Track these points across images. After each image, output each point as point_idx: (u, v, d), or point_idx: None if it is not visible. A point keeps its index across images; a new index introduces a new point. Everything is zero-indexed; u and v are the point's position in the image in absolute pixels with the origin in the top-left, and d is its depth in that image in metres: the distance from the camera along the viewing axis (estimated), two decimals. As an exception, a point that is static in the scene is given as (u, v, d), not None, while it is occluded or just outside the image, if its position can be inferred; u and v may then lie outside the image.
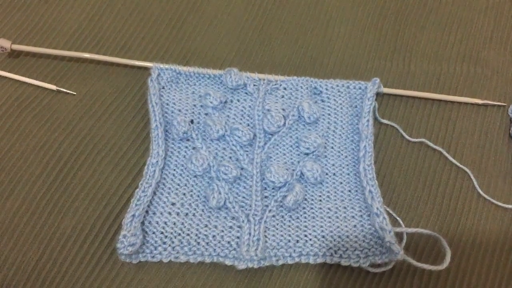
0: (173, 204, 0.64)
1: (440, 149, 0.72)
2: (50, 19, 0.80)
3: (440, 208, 0.68)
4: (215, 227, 0.63)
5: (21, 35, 0.78)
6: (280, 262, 0.62)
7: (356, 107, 0.73)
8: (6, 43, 0.73)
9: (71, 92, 0.72)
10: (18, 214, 0.63)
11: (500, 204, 0.68)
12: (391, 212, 0.66)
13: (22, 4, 0.81)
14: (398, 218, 0.66)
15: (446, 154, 0.71)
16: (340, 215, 0.65)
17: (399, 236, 0.64)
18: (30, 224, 0.63)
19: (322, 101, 0.73)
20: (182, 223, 0.63)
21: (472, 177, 0.70)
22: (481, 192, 0.69)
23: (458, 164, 0.71)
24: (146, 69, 0.73)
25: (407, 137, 0.72)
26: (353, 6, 0.85)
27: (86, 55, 0.74)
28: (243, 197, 0.65)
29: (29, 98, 0.72)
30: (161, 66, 0.72)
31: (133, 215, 0.61)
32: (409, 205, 0.68)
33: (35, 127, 0.69)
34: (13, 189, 0.65)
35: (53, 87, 0.72)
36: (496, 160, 0.72)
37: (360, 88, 0.73)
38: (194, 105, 0.71)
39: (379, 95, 0.75)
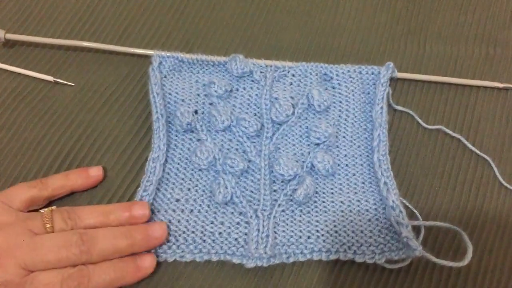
0: (177, 200, 0.61)
1: (458, 136, 0.68)
2: (45, 6, 0.76)
3: (460, 199, 0.64)
4: (222, 223, 0.60)
5: (16, 23, 0.74)
6: (291, 260, 0.58)
7: (369, 93, 0.69)
8: (0, 33, 0.70)
9: (69, 83, 0.69)
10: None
11: (523, 194, 0.64)
12: (407, 204, 0.63)
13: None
14: (415, 211, 0.63)
15: (465, 142, 0.67)
16: (354, 209, 0.61)
17: (416, 229, 0.60)
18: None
19: (333, 87, 0.69)
20: (187, 220, 0.60)
21: (493, 165, 0.66)
22: (503, 182, 0.65)
23: (478, 152, 0.67)
24: (147, 57, 0.70)
25: (423, 124, 0.69)
26: (363, -15, 0.81)
27: (84, 44, 0.71)
28: (251, 191, 0.62)
29: (25, 91, 0.68)
30: (163, 53, 0.68)
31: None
32: (427, 197, 0.64)
33: (32, 121, 0.66)
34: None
35: (50, 78, 0.69)
36: (518, 147, 0.68)
37: (372, 73, 0.69)
38: (198, 95, 0.68)
39: (393, 80, 0.71)
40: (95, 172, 0.62)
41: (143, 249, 0.56)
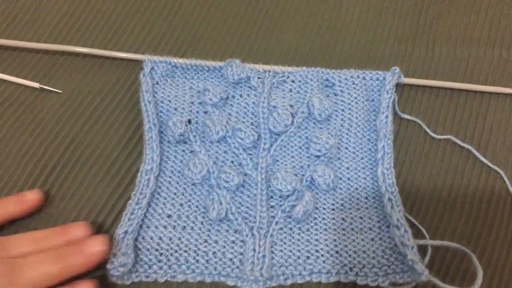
0: (169, 216, 0.58)
1: (469, 147, 0.64)
2: (31, 9, 0.72)
3: (469, 215, 0.60)
4: (216, 242, 0.57)
5: (1, 26, 0.70)
6: (289, 282, 0.55)
7: (373, 101, 0.65)
8: (-17, 37, 0.66)
9: (56, 90, 0.65)
10: (2, 233, 0.57)
11: (538, 209, 0.60)
12: (413, 221, 0.59)
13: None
14: (421, 228, 0.59)
15: (476, 153, 0.63)
16: (356, 227, 0.58)
17: (423, 249, 0.56)
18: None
19: (335, 94, 0.65)
20: (179, 238, 0.57)
21: (505, 178, 0.62)
22: (516, 196, 0.61)
23: (489, 164, 0.63)
24: (138, 62, 0.66)
25: (431, 133, 0.65)
26: (368, -17, 0.76)
27: (71, 49, 0.67)
28: (247, 207, 0.59)
29: (10, 99, 0.65)
30: (155, 58, 0.65)
31: (126, 232, 0.55)
32: (434, 212, 0.60)
33: (17, 132, 0.63)
34: None
35: (36, 85, 0.65)
36: (533, 159, 0.64)
37: (377, 79, 0.65)
38: (192, 103, 0.64)
39: (399, 86, 0.66)
40: (32, 196, 0.57)
41: (82, 270, 0.51)
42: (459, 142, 0.64)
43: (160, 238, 0.56)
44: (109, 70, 0.68)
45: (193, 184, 0.60)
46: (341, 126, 0.64)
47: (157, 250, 0.56)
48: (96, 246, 0.52)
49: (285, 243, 0.57)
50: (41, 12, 0.72)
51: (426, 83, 0.67)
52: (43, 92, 0.66)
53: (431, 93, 0.67)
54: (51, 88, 0.65)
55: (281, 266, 0.55)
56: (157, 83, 0.65)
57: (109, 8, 0.73)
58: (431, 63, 0.70)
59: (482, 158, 0.63)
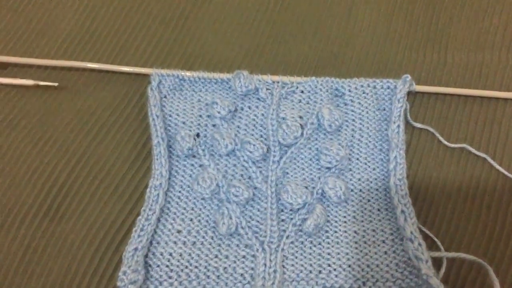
0: (179, 232, 0.58)
1: (484, 155, 0.62)
2: (39, 25, 0.73)
3: (485, 226, 0.59)
4: (227, 257, 0.56)
5: (10, 42, 0.71)
6: (301, 297, 0.55)
7: (384, 110, 0.64)
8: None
9: (51, 83, 0.66)
10: (11, 252, 0.58)
11: (557, 219, 0.59)
12: (428, 232, 0.58)
13: (9, 9, 0.74)
14: (436, 240, 0.57)
15: (491, 161, 0.62)
16: (369, 240, 0.57)
17: (437, 261, 0.55)
18: (24, 262, 0.57)
19: (345, 104, 0.64)
20: (190, 254, 0.56)
21: (522, 187, 0.61)
22: (533, 206, 0.59)
23: (505, 172, 0.61)
24: (146, 76, 0.66)
25: (445, 142, 0.63)
26: (378, -11, 0.75)
27: (79, 64, 0.67)
28: (257, 221, 0.58)
29: (19, 115, 0.65)
30: (162, 72, 0.64)
31: (136, 248, 0.55)
32: (449, 224, 0.59)
33: (26, 148, 0.63)
34: (3, 223, 0.59)
35: (31, 82, 0.66)
36: (550, 166, 0.62)
37: (388, 88, 0.64)
38: (200, 116, 0.64)
39: (411, 94, 0.65)
40: None
41: None
42: (474, 150, 0.62)
43: (171, 254, 0.56)
44: (117, 85, 0.68)
45: (203, 199, 0.59)
46: (352, 136, 0.63)
47: (167, 266, 0.55)
48: None
49: (296, 257, 0.56)
50: (49, 28, 0.73)
51: (438, 91, 0.66)
52: (51, 109, 0.66)
53: (444, 100, 0.66)
54: (46, 83, 0.66)
55: (293, 281, 0.55)
56: (165, 97, 0.64)
57: (116, 23, 0.73)
58: (443, 69, 0.68)
59: (498, 167, 0.62)
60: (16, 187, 0.61)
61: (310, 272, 0.55)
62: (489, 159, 0.62)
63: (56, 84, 0.66)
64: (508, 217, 0.59)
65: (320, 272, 0.55)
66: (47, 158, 0.62)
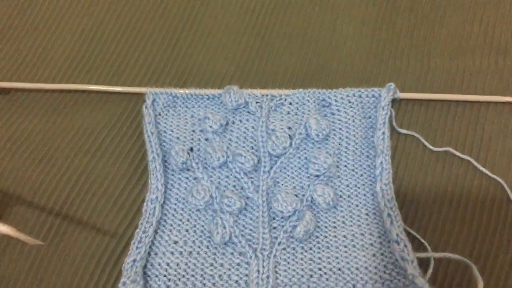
0: (175, 242, 0.60)
1: (468, 158, 0.64)
2: (38, 51, 0.76)
3: (471, 226, 0.61)
4: (221, 265, 0.58)
5: (12, 68, 0.74)
6: (294, 301, 0.57)
7: (370, 117, 0.66)
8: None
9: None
10: (17, 266, 0.60)
11: (541, 218, 0.60)
12: (415, 234, 0.60)
13: (9, 37, 0.77)
14: (423, 241, 0.59)
15: (475, 163, 0.64)
16: (358, 243, 0.59)
17: (425, 262, 0.57)
18: (29, 276, 0.60)
19: (332, 114, 0.67)
20: (186, 263, 0.59)
21: (506, 188, 0.62)
22: (517, 205, 0.61)
23: (489, 174, 0.63)
24: (141, 95, 0.69)
25: (429, 146, 0.65)
26: (361, 1, 0.77)
27: (77, 87, 0.70)
28: (250, 230, 0.60)
29: (22, 137, 0.69)
30: (156, 90, 0.67)
31: (134, 260, 0.57)
32: (435, 225, 0.61)
33: (29, 167, 0.66)
34: (9, 239, 0.61)
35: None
36: (533, 166, 0.64)
37: (373, 96, 0.66)
38: (194, 131, 0.66)
39: (395, 102, 0.67)
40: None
41: None
42: (458, 153, 0.64)
43: (168, 264, 0.58)
44: (114, 104, 0.71)
45: (198, 210, 0.62)
46: (339, 144, 0.65)
47: (165, 276, 0.58)
48: None
49: (288, 263, 0.58)
50: (47, 53, 0.76)
51: (422, 97, 0.68)
52: (52, 129, 0.69)
53: (428, 106, 0.68)
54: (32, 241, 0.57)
55: (285, 285, 0.57)
56: (159, 114, 0.67)
57: (111, 46, 0.76)
58: (426, 76, 0.71)
59: (482, 169, 0.64)
60: (21, 204, 0.64)
61: (302, 276, 0.57)
62: (473, 161, 0.64)
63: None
64: (492, 217, 0.61)
65: (311, 276, 0.57)
66: (49, 177, 0.65)
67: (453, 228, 0.61)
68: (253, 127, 0.66)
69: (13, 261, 0.61)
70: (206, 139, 0.66)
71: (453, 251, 0.58)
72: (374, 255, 0.58)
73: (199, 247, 0.60)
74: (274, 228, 0.60)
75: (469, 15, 0.75)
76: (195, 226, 0.61)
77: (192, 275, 0.58)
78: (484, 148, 0.65)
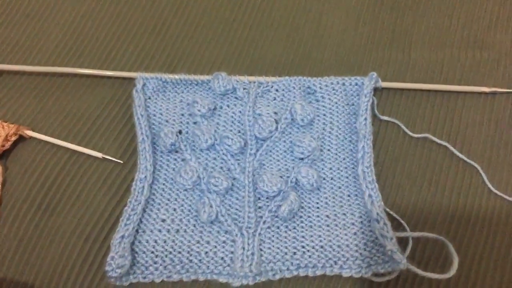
0: (163, 220, 0.62)
1: (445, 144, 0.67)
2: (31, 35, 0.77)
3: (448, 208, 0.63)
4: (208, 242, 0.60)
5: (5, 52, 0.76)
6: (277, 277, 0.58)
7: (353, 105, 0.68)
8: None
9: (117, 160, 0.66)
10: (7, 241, 0.62)
11: (513, 200, 0.63)
12: (394, 215, 0.62)
13: (3, 23, 0.79)
14: (402, 221, 0.62)
15: (453, 149, 0.67)
16: (339, 223, 0.61)
17: (404, 241, 0.59)
18: (19, 251, 0.61)
19: (317, 100, 0.69)
20: (173, 241, 0.60)
21: (481, 172, 0.65)
22: (492, 188, 0.64)
23: (466, 159, 0.66)
24: (131, 79, 0.70)
25: (409, 133, 0.68)
26: (346, -6, 0.80)
27: (69, 70, 0.72)
28: (236, 209, 0.62)
29: (12, 119, 0.70)
30: (146, 75, 0.69)
31: (122, 236, 0.59)
32: (414, 207, 0.64)
33: (19, 149, 0.67)
34: (-1, 214, 0.63)
35: (99, 154, 0.66)
36: (507, 152, 0.67)
37: (356, 84, 0.69)
38: (182, 114, 0.68)
39: (377, 90, 0.70)
40: None
41: None
42: (436, 139, 0.67)
43: (155, 241, 0.60)
44: (105, 88, 0.72)
45: (185, 190, 0.64)
46: (323, 129, 0.67)
47: (152, 252, 0.59)
48: None
49: (273, 241, 0.60)
50: (40, 37, 0.77)
51: (403, 86, 0.71)
52: (38, 111, 0.71)
53: (409, 95, 0.71)
54: (112, 158, 0.66)
55: (270, 262, 0.59)
56: (149, 98, 0.69)
57: (103, 32, 0.78)
58: (407, 67, 0.74)
59: (459, 154, 0.66)
60: (11, 182, 0.65)
61: (286, 253, 0.59)
62: (450, 147, 0.67)
63: (121, 161, 0.67)
64: (468, 199, 0.64)
65: (294, 253, 0.59)
66: (40, 156, 0.67)
67: (430, 210, 0.63)
68: (240, 111, 0.68)
69: (2, 238, 0.62)
70: (195, 123, 0.68)
71: (430, 231, 0.61)
72: (355, 233, 0.60)
73: (186, 225, 0.61)
74: (260, 207, 0.62)
75: (449, 10, 0.78)
76: (182, 205, 0.63)
77: (179, 252, 0.59)
78: (461, 135, 0.68)
